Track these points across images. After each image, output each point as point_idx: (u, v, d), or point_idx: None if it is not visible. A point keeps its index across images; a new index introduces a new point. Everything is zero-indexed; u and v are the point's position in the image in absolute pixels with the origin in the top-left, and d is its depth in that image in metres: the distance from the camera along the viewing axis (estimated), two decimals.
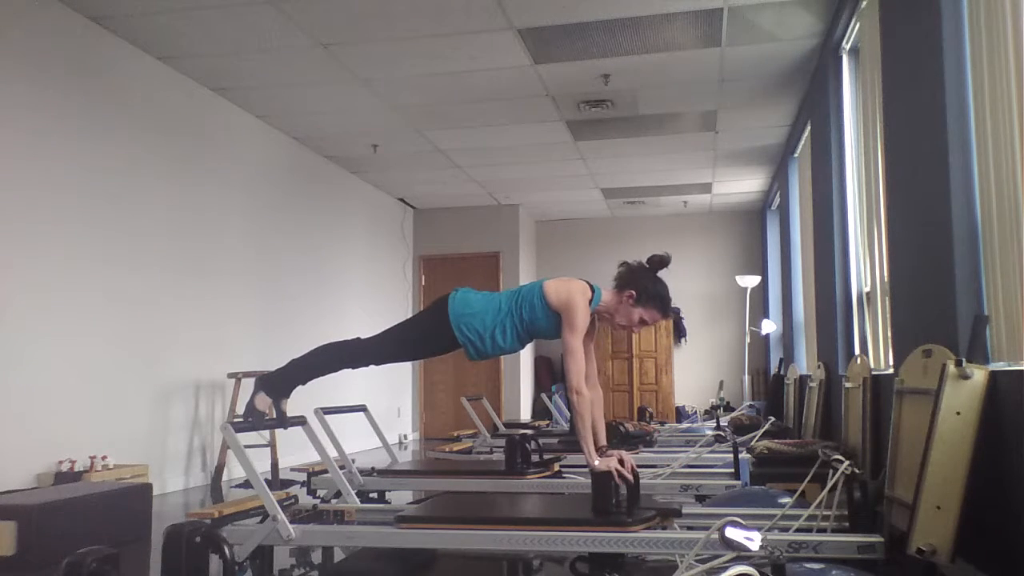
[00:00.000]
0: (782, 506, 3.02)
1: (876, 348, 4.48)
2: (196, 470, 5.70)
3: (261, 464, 5.63)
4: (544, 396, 7.66)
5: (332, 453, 3.51)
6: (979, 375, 2.53)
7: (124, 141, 5.14)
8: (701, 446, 4.76)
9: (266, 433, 5.87)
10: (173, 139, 5.63)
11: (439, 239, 10.33)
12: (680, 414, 10.15)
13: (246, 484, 5.22)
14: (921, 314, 3.27)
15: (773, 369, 9.37)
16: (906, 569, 2.60)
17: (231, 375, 5.84)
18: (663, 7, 4.80)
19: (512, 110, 6.60)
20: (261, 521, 2.74)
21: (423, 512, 2.84)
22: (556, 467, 4.14)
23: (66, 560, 1.95)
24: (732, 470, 3.84)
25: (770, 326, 9.48)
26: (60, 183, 4.61)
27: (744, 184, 9.28)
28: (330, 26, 5.00)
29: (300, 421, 3.16)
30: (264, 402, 3.12)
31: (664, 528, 2.69)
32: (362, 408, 4.26)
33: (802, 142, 6.94)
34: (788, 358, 8.27)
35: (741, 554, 1.62)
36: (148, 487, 3.86)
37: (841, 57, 5.16)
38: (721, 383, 10.39)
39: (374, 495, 4.15)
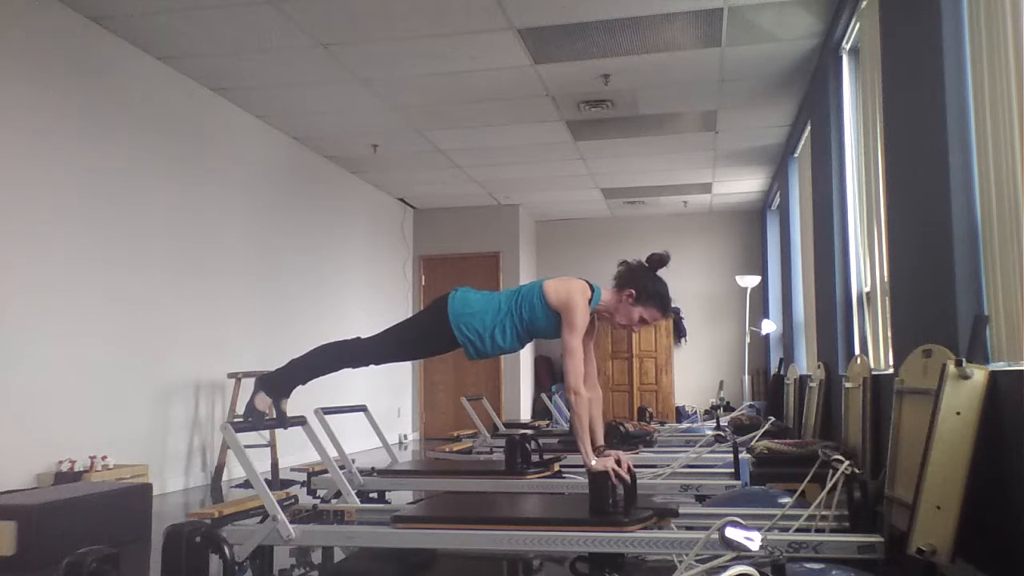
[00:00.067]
0: (782, 506, 3.02)
1: (876, 348, 4.48)
2: (196, 470, 5.70)
3: (261, 464, 5.63)
4: (544, 396, 7.66)
5: (332, 453, 3.51)
6: (979, 375, 2.53)
7: (124, 141, 5.14)
8: (701, 446, 4.76)
9: (266, 433, 5.87)
10: (173, 139, 5.63)
11: (439, 239, 10.33)
12: (680, 414, 10.15)
13: (246, 484, 5.22)
14: (921, 314, 3.27)
15: (773, 369, 9.37)
16: (906, 569, 2.60)
17: (231, 375, 5.84)
18: (663, 7, 4.80)
19: (512, 110, 6.61)
20: (261, 521, 2.74)
21: (419, 512, 2.84)
22: (556, 467, 4.14)
23: (66, 560, 1.95)
24: (732, 470, 3.84)
25: (770, 326, 9.48)
26: (60, 183, 4.61)
27: (744, 184, 9.28)
28: (330, 26, 5.00)
29: (300, 421, 3.16)
30: (264, 402, 3.12)
31: (661, 528, 2.69)
32: (362, 408, 4.26)
33: (802, 142, 6.94)
34: (788, 358, 8.27)
35: (741, 554, 1.61)
36: (148, 487, 3.86)
37: (841, 57, 5.16)
38: (721, 383, 10.39)
39: (374, 495, 4.15)
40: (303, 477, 4.04)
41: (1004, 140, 2.60)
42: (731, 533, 1.59)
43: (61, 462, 4.43)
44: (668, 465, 4.08)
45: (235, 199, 6.35)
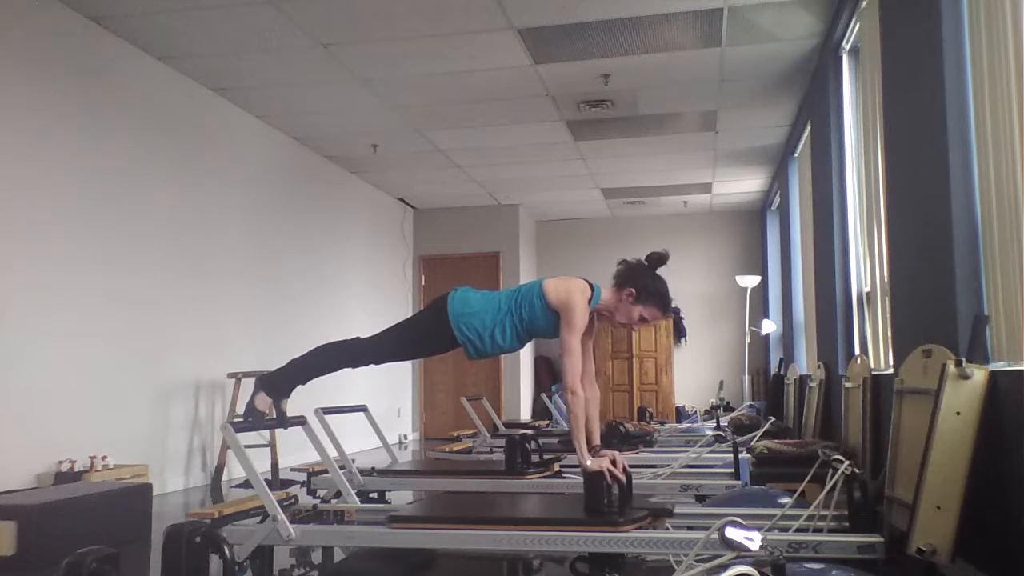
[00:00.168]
0: (782, 506, 3.02)
1: (876, 348, 4.48)
2: (196, 470, 5.70)
3: (261, 464, 5.63)
4: (544, 396, 7.65)
5: (332, 453, 3.51)
6: (979, 375, 2.53)
7: (124, 141, 5.14)
8: (701, 446, 4.76)
9: (266, 433, 5.87)
10: (173, 139, 5.63)
11: (439, 239, 10.33)
12: (680, 414, 10.15)
13: (246, 484, 5.22)
14: (921, 314, 3.27)
15: (773, 369, 9.37)
16: (906, 569, 2.60)
17: (231, 375, 5.84)
18: (663, 7, 4.80)
19: (512, 110, 6.60)
20: (261, 521, 2.74)
21: (414, 512, 2.85)
22: (556, 467, 4.14)
23: (66, 560, 1.95)
24: (732, 470, 3.84)
25: (770, 326, 9.48)
26: (60, 183, 4.61)
27: (744, 184, 9.28)
28: (330, 26, 5.00)
29: (300, 421, 3.16)
30: (264, 402, 3.12)
31: (656, 528, 2.69)
32: (362, 408, 4.26)
33: (802, 142, 6.94)
34: (788, 358, 8.27)
35: (741, 554, 1.61)
36: (148, 487, 3.86)
37: (841, 57, 5.16)
38: (721, 383, 10.39)
39: (374, 495, 4.15)
40: (303, 477, 4.04)
41: (1004, 140, 2.60)
42: (731, 533, 1.59)
43: (61, 462, 4.43)
44: (668, 465, 4.08)
45: (235, 199, 6.35)
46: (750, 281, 9.67)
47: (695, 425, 7.39)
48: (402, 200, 9.93)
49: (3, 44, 4.27)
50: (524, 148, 7.73)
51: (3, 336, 4.20)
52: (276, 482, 5.47)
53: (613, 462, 2.77)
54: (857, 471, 2.88)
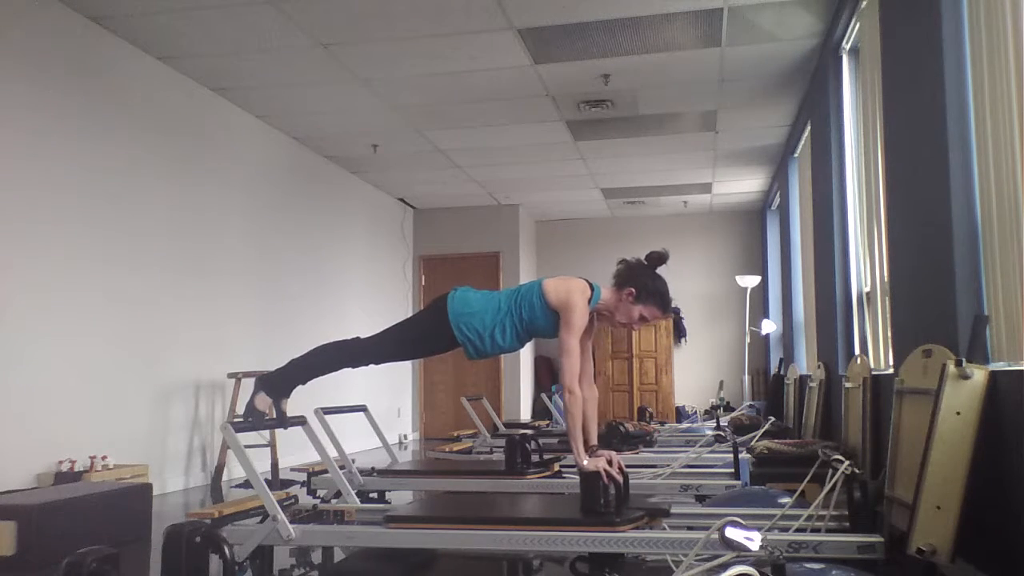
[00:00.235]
0: (782, 506, 3.02)
1: (876, 348, 4.48)
2: (196, 470, 5.70)
3: (261, 464, 5.63)
4: (544, 396, 7.65)
5: (332, 453, 3.51)
6: (979, 375, 2.53)
7: (124, 141, 5.14)
8: (701, 446, 4.76)
9: (266, 433, 5.87)
10: (173, 139, 5.63)
11: (439, 239, 10.33)
12: (680, 414, 10.15)
13: (246, 484, 5.22)
14: (921, 314, 3.27)
15: (773, 369, 9.37)
16: (906, 569, 2.60)
17: (231, 375, 5.84)
18: (663, 7, 4.80)
19: (512, 110, 6.60)
20: (261, 521, 2.74)
21: (411, 512, 2.85)
22: (556, 467, 4.14)
23: (66, 560, 1.95)
24: (732, 470, 3.84)
25: (770, 326, 9.48)
26: (60, 183, 4.61)
27: (744, 184, 9.28)
28: (330, 26, 5.00)
29: (300, 421, 3.16)
30: (264, 402, 3.12)
31: (652, 528, 2.69)
32: (362, 408, 4.26)
33: (802, 142, 6.94)
34: (788, 358, 8.27)
35: (741, 554, 1.61)
36: (148, 487, 3.86)
37: (841, 57, 5.16)
38: (721, 383, 10.39)
39: (374, 495, 4.15)
40: (303, 477, 4.04)
41: (1004, 140, 2.60)
42: (731, 533, 1.59)
43: (61, 462, 4.43)
44: (668, 465, 4.08)
45: (235, 199, 6.35)
46: (750, 281, 9.68)
47: (695, 425, 7.39)
48: (402, 200, 9.93)
49: (3, 44, 4.27)
50: (524, 148, 7.73)
51: (3, 336, 4.20)
52: (276, 482, 5.47)
53: (609, 462, 2.77)
54: (857, 471, 2.88)
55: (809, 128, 6.38)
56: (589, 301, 3.04)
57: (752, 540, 1.59)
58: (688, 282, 10.41)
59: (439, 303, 3.13)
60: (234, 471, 5.94)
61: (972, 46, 2.87)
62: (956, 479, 2.46)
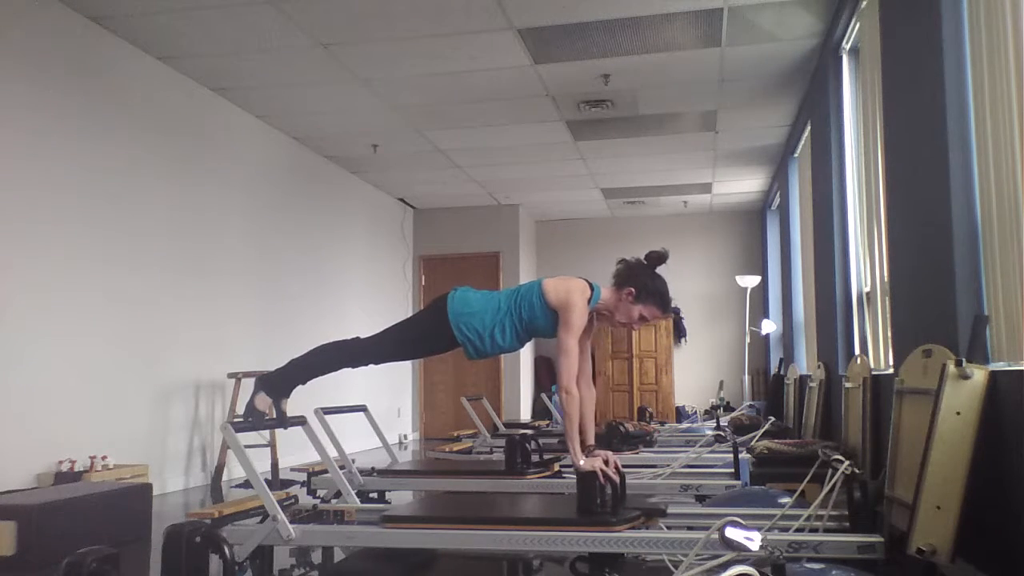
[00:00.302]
0: (782, 506, 3.02)
1: (876, 348, 4.48)
2: (196, 470, 5.70)
3: (261, 464, 5.63)
4: (544, 396, 7.65)
5: (332, 453, 3.51)
6: (979, 375, 2.53)
7: (124, 141, 5.14)
8: (701, 446, 4.76)
9: (266, 433, 5.87)
10: (173, 139, 5.63)
11: (439, 239, 10.33)
12: (680, 414, 10.15)
13: (246, 484, 5.22)
14: (921, 314, 3.27)
15: (773, 369, 9.37)
16: (906, 569, 2.60)
17: (231, 375, 5.84)
18: (663, 7, 4.80)
19: (512, 110, 6.60)
20: (261, 521, 2.74)
21: (408, 512, 2.85)
22: (556, 467, 4.14)
23: (66, 560, 1.95)
24: (732, 470, 3.84)
25: (770, 326, 9.48)
26: (60, 183, 4.61)
27: (744, 184, 9.28)
28: (330, 26, 5.00)
29: (300, 421, 3.16)
30: (264, 402, 3.12)
31: (648, 528, 2.69)
32: (362, 408, 4.26)
33: (802, 142, 6.94)
34: (788, 358, 8.27)
35: (741, 554, 1.61)
36: (148, 487, 3.86)
37: (841, 57, 5.16)
38: (721, 383, 10.39)
39: (374, 495, 4.15)
40: (303, 477, 4.04)
41: (1004, 140, 2.60)
42: (731, 533, 1.59)
43: (61, 462, 4.43)
44: (668, 465, 4.08)
45: (235, 199, 6.35)
46: (750, 281, 9.67)
47: (695, 425, 7.39)
48: (402, 200, 9.93)
49: (3, 44, 4.27)
50: (524, 148, 7.73)
51: (3, 336, 4.20)
52: (276, 482, 5.47)
53: (606, 462, 2.77)
54: (857, 471, 2.88)
55: (809, 128, 6.38)
56: (589, 301, 3.04)
57: (752, 540, 1.59)
58: (688, 282, 10.41)
59: (439, 303, 3.13)
60: (234, 471, 5.94)
61: (972, 46, 2.87)
62: (956, 479, 2.46)
